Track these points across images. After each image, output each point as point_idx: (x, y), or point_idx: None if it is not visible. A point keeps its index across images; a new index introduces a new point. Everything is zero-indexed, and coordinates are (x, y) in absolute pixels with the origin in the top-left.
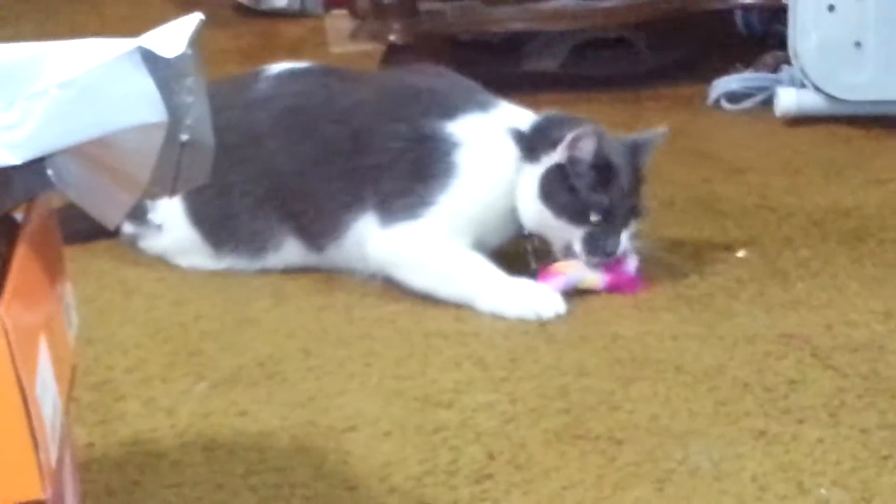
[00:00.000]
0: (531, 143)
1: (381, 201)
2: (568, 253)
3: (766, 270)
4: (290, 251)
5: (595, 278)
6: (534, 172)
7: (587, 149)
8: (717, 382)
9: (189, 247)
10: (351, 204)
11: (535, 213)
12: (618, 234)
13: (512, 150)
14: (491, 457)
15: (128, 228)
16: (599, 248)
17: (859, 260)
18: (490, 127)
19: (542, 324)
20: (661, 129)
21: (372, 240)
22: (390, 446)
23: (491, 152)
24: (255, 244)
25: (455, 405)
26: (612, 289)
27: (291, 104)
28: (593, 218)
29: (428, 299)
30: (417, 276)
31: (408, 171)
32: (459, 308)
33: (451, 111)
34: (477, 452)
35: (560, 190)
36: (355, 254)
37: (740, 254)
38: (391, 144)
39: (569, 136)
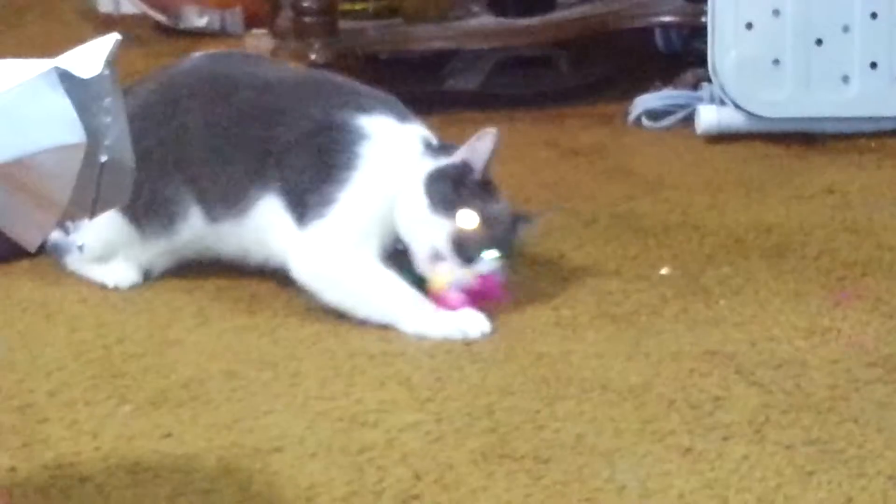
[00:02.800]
0: (436, 151)
1: (289, 191)
2: (435, 259)
3: (689, 288)
4: (195, 221)
5: (469, 274)
6: (426, 167)
7: (486, 146)
8: (642, 400)
9: (115, 238)
10: (253, 176)
11: (411, 207)
12: (481, 245)
13: (418, 150)
14: (417, 477)
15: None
16: (465, 252)
17: (781, 276)
18: (400, 128)
19: (467, 343)
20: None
21: (293, 246)
22: (316, 467)
23: (396, 148)
24: (167, 213)
25: (381, 425)
26: (480, 291)
27: (214, 71)
28: (462, 216)
29: (352, 319)
30: (339, 295)
31: (312, 155)
32: (384, 328)
33: (367, 107)
34: (403, 473)
35: (445, 185)
36: (253, 237)
37: (663, 271)
38: (301, 124)
39: (475, 136)
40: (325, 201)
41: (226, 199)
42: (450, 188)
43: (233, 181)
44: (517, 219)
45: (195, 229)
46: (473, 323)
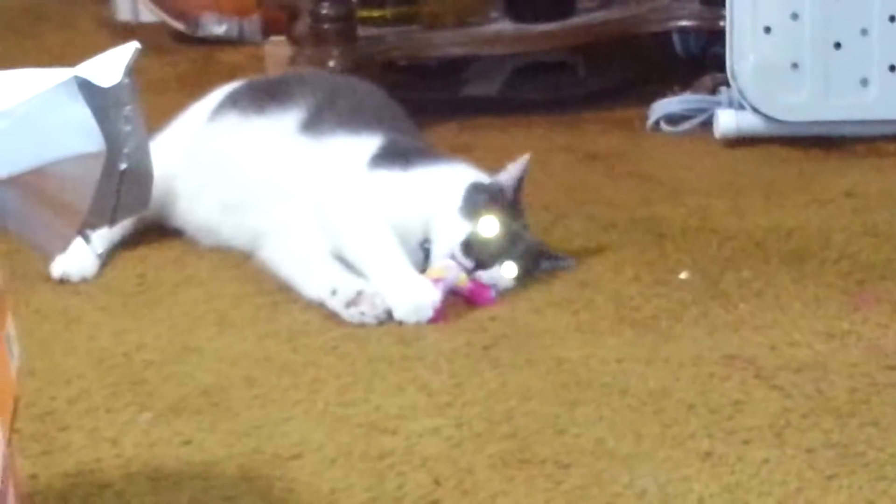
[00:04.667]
0: None
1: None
2: (450, 257)
3: (709, 292)
4: None
5: (465, 279)
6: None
7: (517, 169)
8: (662, 405)
9: None
10: None
11: (445, 207)
12: (495, 254)
13: None
14: (437, 483)
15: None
16: (475, 256)
17: (801, 280)
18: None
19: (486, 347)
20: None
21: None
22: (336, 473)
23: None
24: None
25: (400, 431)
26: (468, 296)
27: None
28: (483, 222)
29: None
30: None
31: None
32: (402, 331)
33: None
34: (423, 478)
35: (478, 196)
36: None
37: (682, 276)
38: None
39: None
40: None
41: None
42: (482, 199)
43: None
44: (545, 253)
45: None
46: (417, 311)
